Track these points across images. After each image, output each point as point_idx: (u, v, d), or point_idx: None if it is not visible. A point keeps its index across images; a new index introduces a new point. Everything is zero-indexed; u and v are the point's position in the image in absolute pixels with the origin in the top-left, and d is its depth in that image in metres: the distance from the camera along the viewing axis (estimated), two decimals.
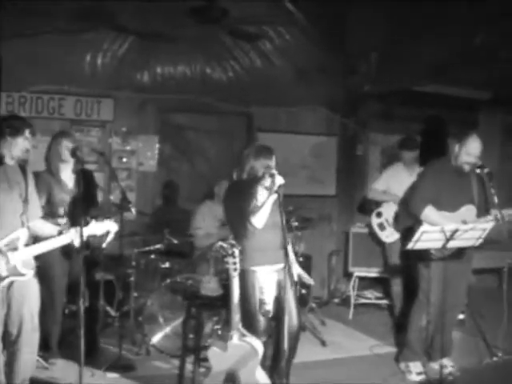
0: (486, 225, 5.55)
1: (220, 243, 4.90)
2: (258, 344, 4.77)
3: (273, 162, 5.13)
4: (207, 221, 7.35)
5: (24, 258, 4.68)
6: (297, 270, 5.44)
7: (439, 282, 5.68)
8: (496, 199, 5.70)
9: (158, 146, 8.60)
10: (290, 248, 5.33)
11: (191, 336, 5.83)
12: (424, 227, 5.37)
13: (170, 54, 8.25)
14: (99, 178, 7.08)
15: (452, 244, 5.49)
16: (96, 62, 7.97)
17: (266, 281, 5.06)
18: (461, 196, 5.95)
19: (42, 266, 5.21)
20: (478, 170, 5.87)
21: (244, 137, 9.02)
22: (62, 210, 5.90)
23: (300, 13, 8.09)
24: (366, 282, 8.94)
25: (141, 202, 8.25)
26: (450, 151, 6.04)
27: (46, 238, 4.81)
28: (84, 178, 5.83)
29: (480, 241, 5.64)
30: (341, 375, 6.12)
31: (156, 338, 6.45)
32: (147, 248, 7.11)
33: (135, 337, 6.61)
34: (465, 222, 5.70)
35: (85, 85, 8.03)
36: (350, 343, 7.24)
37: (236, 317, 4.76)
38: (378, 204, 7.98)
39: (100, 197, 6.99)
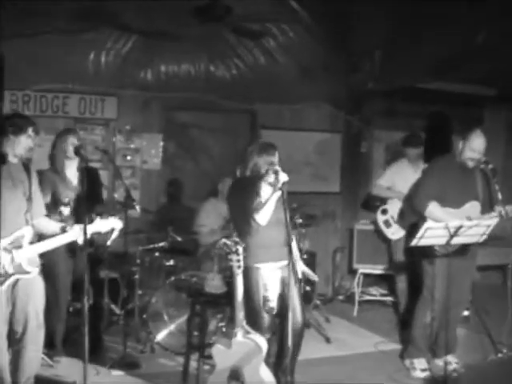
0: (490, 221, 5.55)
1: (224, 240, 4.89)
2: (262, 341, 4.77)
3: (276, 159, 5.14)
4: (211, 218, 7.35)
5: (29, 256, 4.70)
6: (301, 267, 5.45)
7: (443, 278, 5.68)
8: (500, 195, 5.70)
9: (162, 143, 8.60)
10: (294, 245, 5.35)
11: (196, 333, 5.85)
12: (428, 224, 5.37)
13: (173, 52, 8.24)
14: (103, 176, 7.08)
15: (456, 240, 5.49)
16: (100, 61, 7.96)
17: (270, 278, 5.07)
18: (465, 192, 5.94)
19: (47, 263, 5.23)
20: (482, 166, 5.87)
21: (248, 134, 9.01)
22: (66, 201, 5.89)
23: (304, 10, 8.07)
24: (370, 279, 8.94)
25: (145, 199, 8.25)
26: (454, 148, 6.03)
27: (51, 236, 4.82)
28: (89, 175, 5.83)
29: (484, 237, 5.64)
30: (345, 372, 6.13)
31: (161, 336, 6.47)
32: (151, 246, 7.13)
33: (140, 334, 6.63)
34: (469, 219, 5.69)
35: (89, 83, 8.03)
36: (354, 340, 7.24)
37: (240, 314, 4.76)
38: (383, 200, 7.98)
39: (104, 195, 6.99)
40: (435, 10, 6.85)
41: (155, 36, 7.78)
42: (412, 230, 5.81)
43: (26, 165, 4.91)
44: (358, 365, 6.39)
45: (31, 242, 4.73)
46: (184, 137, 8.87)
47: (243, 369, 4.72)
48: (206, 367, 5.38)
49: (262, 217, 4.97)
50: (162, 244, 7.08)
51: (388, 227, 7.81)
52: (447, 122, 9.39)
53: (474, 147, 5.79)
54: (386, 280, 8.82)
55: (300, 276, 5.44)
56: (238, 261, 4.73)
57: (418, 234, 5.35)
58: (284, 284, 5.05)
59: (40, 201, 4.99)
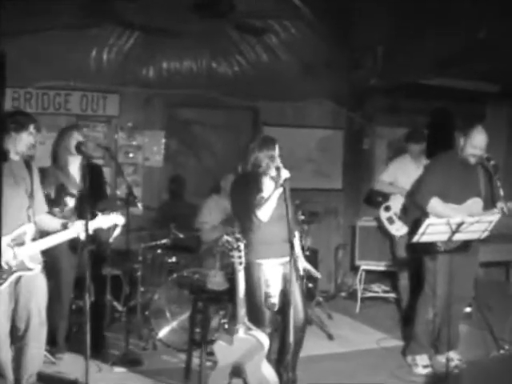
0: (492, 217, 5.54)
1: (225, 237, 4.90)
2: (263, 337, 4.79)
3: (276, 153, 5.13)
4: (214, 215, 7.35)
5: (31, 253, 4.71)
6: (303, 263, 5.45)
7: (445, 274, 5.68)
8: (502, 192, 5.70)
9: (164, 140, 8.60)
10: (297, 242, 5.35)
11: (198, 330, 5.86)
12: (430, 220, 5.37)
13: (175, 48, 8.24)
14: (105, 173, 7.07)
15: (458, 237, 5.48)
16: (102, 58, 7.96)
17: (272, 274, 5.07)
18: (467, 189, 5.94)
19: (50, 260, 5.23)
20: (484, 162, 5.87)
21: (250, 131, 9.01)
22: (71, 192, 5.90)
23: (306, 7, 8.07)
24: (373, 276, 8.93)
25: (147, 196, 8.25)
26: (456, 144, 6.02)
27: (53, 233, 4.83)
28: (93, 172, 5.87)
29: (486, 233, 5.63)
30: (348, 369, 6.13)
31: (163, 333, 6.48)
32: (154, 243, 7.13)
33: (142, 331, 6.63)
34: (471, 215, 5.69)
35: (90, 80, 8.04)
36: (356, 337, 7.24)
37: (242, 310, 4.77)
38: (385, 196, 7.97)
39: (107, 192, 7.00)
40: (437, 5, 6.85)
41: (157, 33, 7.78)
42: (414, 226, 5.81)
43: (28, 162, 4.91)
44: (361, 361, 6.39)
45: (33, 239, 4.74)
46: (186, 134, 8.88)
47: (245, 365, 4.73)
48: (209, 364, 5.37)
49: (264, 213, 4.98)
50: (164, 241, 7.09)
51: (391, 224, 7.80)
52: (450, 119, 9.37)
53: (475, 144, 5.78)
54: (388, 277, 8.83)
55: (302, 273, 5.44)
56: (240, 257, 4.73)
57: (420, 230, 5.35)
58: (286, 280, 5.05)
59: (42, 198, 5.00)
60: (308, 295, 7.55)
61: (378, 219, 8.07)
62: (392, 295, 8.69)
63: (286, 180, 4.83)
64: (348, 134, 9.50)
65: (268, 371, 4.81)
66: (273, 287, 5.04)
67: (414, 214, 6.22)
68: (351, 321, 7.92)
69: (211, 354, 5.04)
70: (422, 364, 6.07)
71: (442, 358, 6.00)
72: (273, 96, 8.81)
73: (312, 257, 7.90)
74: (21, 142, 4.76)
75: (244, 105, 8.91)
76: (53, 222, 4.97)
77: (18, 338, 4.83)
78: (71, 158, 5.95)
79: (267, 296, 5.01)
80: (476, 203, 5.93)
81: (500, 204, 5.71)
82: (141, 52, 8.07)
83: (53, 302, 5.45)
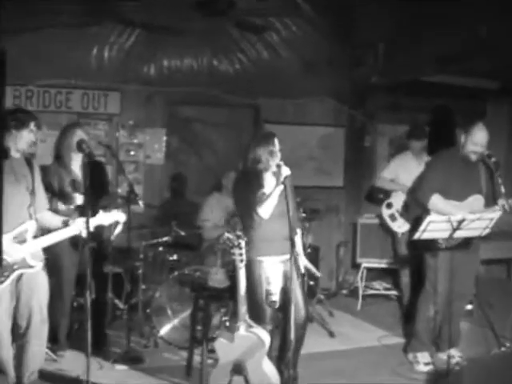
0: (493, 214, 5.54)
1: (226, 234, 4.90)
2: (264, 335, 4.79)
3: (276, 147, 5.12)
4: (215, 213, 7.36)
5: (32, 250, 4.71)
6: (304, 261, 5.45)
7: (446, 271, 5.68)
8: (503, 189, 5.70)
9: (165, 138, 8.60)
10: (298, 239, 5.35)
11: (199, 328, 5.86)
12: (430, 217, 5.38)
13: (176, 46, 8.25)
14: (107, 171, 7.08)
15: (459, 234, 5.49)
16: (103, 56, 7.97)
17: (273, 271, 5.07)
18: (469, 186, 5.94)
19: (51, 257, 5.25)
20: (486, 158, 5.87)
21: (251, 129, 9.00)
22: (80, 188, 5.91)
23: (306, 4, 8.08)
24: (374, 273, 8.94)
25: (148, 194, 8.26)
26: (457, 141, 6.01)
27: (54, 230, 4.83)
28: (95, 169, 5.87)
29: (487, 231, 5.63)
30: (349, 366, 6.14)
31: (164, 330, 6.48)
32: (155, 241, 7.13)
33: (143, 329, 6.63)
34: (472, 212, 5.68)
35: (91, 78, 8.03)
36: (358, 334, 7.25)
37: (243, 308, 4.78)
38: (386, 193, 7.96)
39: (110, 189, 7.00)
40: (438, 3, 6.84)
41: (158, 30, 7.78)
42: (415, 223, 5.80)
43: (29, 159, 4.92)
44: (362, 359, 6.39)
45: (35, 236, 4.75)
46: (187, 131, 8.87)
47: (246, 362, 4.73)
48: (210, 361, 5.38)
49: (265, 210, 4.98)
50: (165, 239, 7.09)
51: (394, 221, 7.79)
52: (451, 116, 9.37)
53: (476, 141, 5.78)
54: (389, 274, 8.82)
55: (303, 270, 5.44)
56: (241, 254, 4.73)
57: (421, 228, 5.35)
58: (286, 278, 5.05)
59: (43, 195, 5.01)
60: (309, 293, 7.55)
61: (379, 216, 8.06)
62: (393, 293, 8.68)
63: (286, 177, 4.83)
64: (349, 131, 9.50)
65: (269, 368, 4.81)
66: (273, 284, 5.04)
67: (416, 211, 6.21)
68: (352, 318, 7.91)
69: (212, 351, 5.05)
70: (423, 361, 6.07)
71: (443, 356, 6.01)
72: (274, 93, 8.81)
73: (313, 254, 7.91)
74: (21, 140, 4.76)
75: (245, 102, 8.90)
76: (54, 220, 4.98)
77: (19, 335, 4.84)
78: (74, 155, 5.94)
79: (268, 293, 5.01)
80: (477, 200, 5.93)
81: (501, 201, 5.70)
82: (142, 50, 8.08)
83: (54, 299, 5.46)
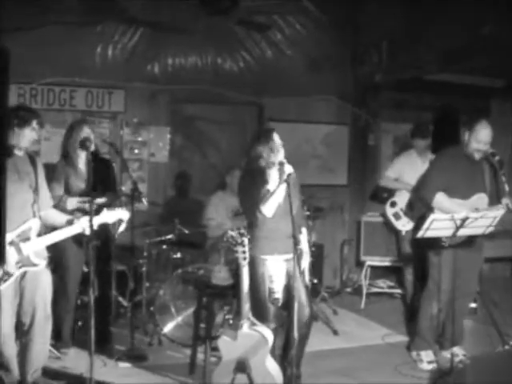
0: (497, 213, 5.53)
1: (230, 232, 4.90)
2: (267, 333, 4.79)
3: (276, 143, 5.11)
4: (219, 211, 7.36)
5: (36, 249, 4.72)
6: (306, 262, 5.40)
7: (450, 270, 5.68)
8: (507, 187, 5.68)
9: (169, 136, 8.60)
10: (304, 238, 5.35)
11: (203, 325, 5.87)
12: (434, 215, 5.35)
13: (180, 44, 8.26)
14: None
15: (462, 232, 5.47)
16: (107, 54, 8.00)
17: (276, 269, 5.07)
18: (473, 184, 5.92)
19: (56, 255, 5.26)
20: (490, 156, 5.86)
21: (255, 127, 8.98)
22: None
23: (310, 2, 8.08)
24: (378, 271, 8.92)
25: (152, 192, 8.26)
26: (461, 139, 6.00)
27: (59, 228, 4.84)
28: (101, 166, 5.91)
29: (490, 229, 5.62)
30: (353, 364, 6.14)
31: (168, 328, 6.49)
32: (159, 238, 7.14)
33: (147, 327, 6.65)
34: (476, 211, 5.68)
35: (96, 76, 8.04)
36: (361, 332, 7.24)
37: (246, 306, 4.78)
38: (391, 192, 7.96)
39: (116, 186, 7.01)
40: (443, 1, 6.84)
41: (162, 29, 7.79)
42: (419, 221, 5.80)
43: (32, 157, 4.92)
44: (365, 357, 6.39)
45: (39, 234, 4.76)
46: (191, 129, 8.87)
47: (249, 360, 4.73)
48: (213, 359, 5.39)
49: (268, 208, 4.98)
50: (169, 237, 7.10)
51: (398, 219, 7.79)
52: (455, 114, 9.35)
53: (479, 138, 5.77)
54: (393, 272, 8.81)
55: (306, 273, 5.41)
56: (244, 252, 4.74)
57: (424, 226, 5.34)
58: (289, 276, 5.05)
59: (46, 193, 5.01)
60: (313, 291, 7.55)
61: (383, 215, 8.06)
62: (397, 291, 8.68)
63: (289, 175, 4.83)
64: (353, 129, 9.48)
65: (272, 366, 4.82)
66: (277, 282, 5.05)
67: (420, 210, 6.21)
68: (356, 316, 7.90)
69: (216, 349, 5.05)
70: (426, 360, 6.06)
71: (446, 354, 6.01)
72: (278, 92, 8.80)
73: (317, 252, 7.91)
74: (24, 138, 4.77)
75: (249, 100, 8.89)
76: (59, 218, 4.99)
77: (23, 332, 4.85)
78: (81, 152, 5.94)
79: (271, 291, 5.01)
80: (481, 199, 5.92)
81: (505, 200, 5.69)
82: (146, 48, 8.10)
83: (58, 296, 5.49)
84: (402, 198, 7.72)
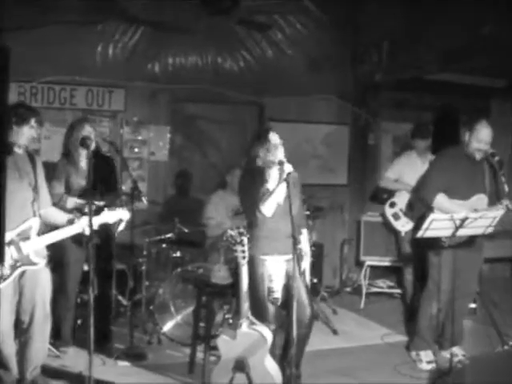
0: (496, 213, 5.53)
1: (229, 231, 4.90)
2: (267, 332, 4.79)
3: (273, 142, 5.09)
4: (219, 210, 7.35)
5: (36, 248, 4.72)
6: (307, 263, 5.39)
7: (449, 270, 5.68)
8: (507, 188, 5.68)
9: (169, 135, 8.60)
10: (304, 239, 5.34)
11: (202, 324, 5.87)
12: (433, 215, 5.35)
13: (181, 44, 8.27)
14: None
15: (462, 232, 5.47)
16: (107, 53, 8.00)
17: (275, 269, 5.07)
18: (473, 185, 5.92)
19: (57, 253, 5.26)
20: (490, 157, 5.86)
21: (256, 126, 8.98)
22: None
23: (310, 1, 8.08)
24: (378, 271, 8.92)
25: (152, 191, 8.26)
26: (462, 140, 6.00)
27: (59, 226, 4.84)
28: (103, 163, 5.90)
29: (490, 229, 5.62)
30: (352, 364, 6.14)
31: (167, 327, 6.49)
32: (159, 237, 7.15)
33: (146, 325, 6.65)
34: (476, 211, 5.67)
35: (96, 75, 8.03)
36: (361, 332, 7.24)
37: (245, 305, 4.78)
38: (390, 193, 7.95)
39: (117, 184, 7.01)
40: (443, 1, 6.84)
41: (163, 28, 7.80)
42: (419, 221, 5.79)
43: (32, 155, 4.92)
44: (365, 357, 6.39)
45: (38, 233, 4.76)
46: (191, 129, 8.87)
47: (248, 359, 4.74)
48: (212, 358, 5.40)
49: (267, 207, 4.97)
50: (169, 235, 7.10)
51: (397, 220, 7.78)
52: (455, 114, 9.35)
53: (480, 138, 5.76)
54: (393, 272, 8.81)
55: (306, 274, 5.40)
56: (243, 251, 4.74)
57: (424, 226, 5.34)
58: (289, 276, 5.05)
59: (46, 191, 5.01)
60: (313, 290, 7.54)
61: (383, 215, 8.05)
62: (397, 291, 8.67)
63: (289, 174, 4.82)
64: (353, 129, 9.48)
65: (271, 366, 4.82)
66: (276, 282, 5.04)
67: (420, 210, 6.20)
68: (356, 316, 7.91)
69: (215, 348, 5.05)
70: (426, 360, 6.06)
71: (446, 354, 6.01)
72: (278, 91, 8.80)
73: (317, 252, 7.91)
74: (23, 136, 4.77)
75: (249, 100, 8.89)
76: (60, 216, 4.99)
77: (22, 331, 4.86)
78: (82, 150, 5.93)
79: (270, 291, 5.01)
80: (481, 199, 5.91)
81: (505, 201, 5.68)
82: (146, 47, 8.10)
83: (58, 295, 5.49)
84: (402, 199, 7.71)
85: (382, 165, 9.21)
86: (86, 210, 5.02)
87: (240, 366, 4.75)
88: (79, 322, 6.39)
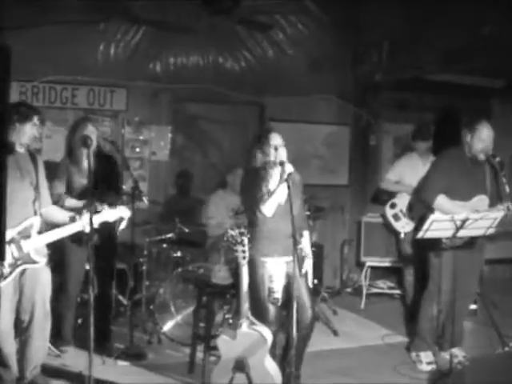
0: (497, 214, 5.52)
1: (229, 232, 4.90)
2: (267, 332, 4.79)
3: (273, 142, 5.07)
4: (220, 210, 7.36)
5: (37, 246, 4.72)
6: (308, 265, 5.37)
7: (450, 271, 5.66)
8: (508, 189, 5.67)
9: (170, 135, 8.60)
10: (306, 241, 5.33)
11: (202, 324, 5.87)
12: (434, 216, 5.34)
13: (182, 44, 8.28)
14: None
15: (462, 233, 5.47)
16: (109, 52, 8.01)
17: (276, 269, 5.06)
18: (474, 186, 5.91)
19: (58, 252, 5.26)
20: (491, 158, 5.85)
21: (256, 126, 8.99)
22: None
23: (311, 1, 8.09)
24: (379, 272, 8.93)
25: (153, 191, 8.26)
26: (463, 141, 5.99)
27: (60, 225, 4.84)
28: (105, 163, 5.90)
29: (491, 230, 5.61)
30: (352, 364, 6.13)
31: (167, 327, 6.49)
32: (159, 237, 7.15)
33: (147, 325, 6.65)
34: (477, 212, 5.66)
35: (98, 75, 8.04)
36: (361, 333, 7.23)
37: (245, 305, 4.78)
38: (391, 194, 7.95)
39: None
40: (443, 1, 6.84)
41: (165, 28, 7.80)
42: (419, 222, 5.79)
43: (33, 154, 4.93)
44: (365, 357, 6.39)
45: (39, 232, 4.76)
46: (193, 128, 8.87)
47: (248, 360, 4.73)
48: (212, 358, 5.39)
49: (268, 208, 4.97)
50: (169, 235, 7.10)
51: (397, 221, 7.77)
52: (456, 115, 9.34)
53: (482, 137, 5.75)
54: (393, 273, 8.81)
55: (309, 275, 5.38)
56: (244, 251, 4.74)
57: (424, 227, 5.33)
58: (289, 276, 5.04)
59: (47, 190, 5.01)
60: (313, 291, 7.53)
61: (383, 216, 8.05)
62: (397, 291, 8.67)
63: (290, 174, 4.82)
64: (354, 129, 9.48)
65: (271, 366, 4.82)
66: (276, 282, 5.04)
67: (421, 212, 6.20)
68: (356, 317, 7.91)
69: (215, 348, 5.06)
70: (426, 360, 6.06)
71: (446, 355, 6.00)
72: (279, 91, 8.80)
73: (317, 252, 7.90)
74: (24, 134, 4.77)
75: (250, 100, 8.89)
76: (61, 215, 4.99)
77: (22, 329, 4.86)
78: (85, 150, 5.91)
79: (271, 291, 5.01)
80: (482, 200, 5.90)
81: (506, 203, 5.66)
82: (148, 47, 8.11)
83: (59, 294, 5.49)
84: (403, 200, 7.71)
85: (383, 166, 9.21)
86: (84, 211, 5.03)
87: (240, 366, 4.75)
88: (79, 321, 6.39)
